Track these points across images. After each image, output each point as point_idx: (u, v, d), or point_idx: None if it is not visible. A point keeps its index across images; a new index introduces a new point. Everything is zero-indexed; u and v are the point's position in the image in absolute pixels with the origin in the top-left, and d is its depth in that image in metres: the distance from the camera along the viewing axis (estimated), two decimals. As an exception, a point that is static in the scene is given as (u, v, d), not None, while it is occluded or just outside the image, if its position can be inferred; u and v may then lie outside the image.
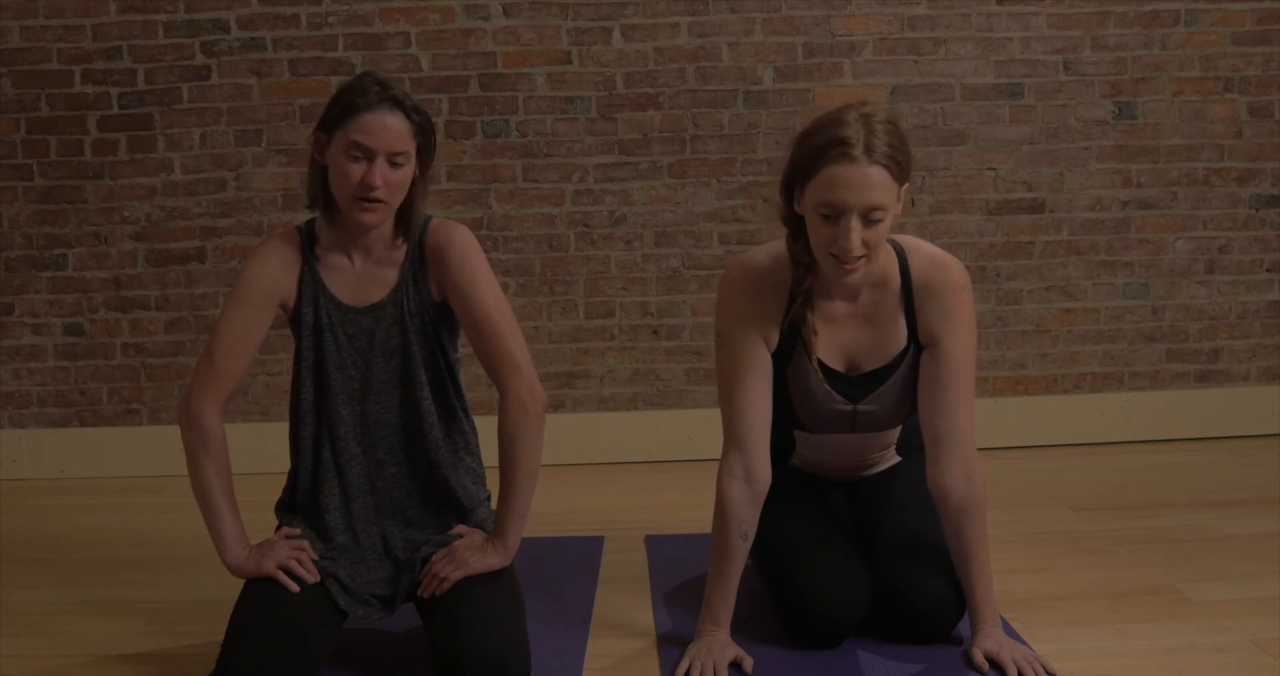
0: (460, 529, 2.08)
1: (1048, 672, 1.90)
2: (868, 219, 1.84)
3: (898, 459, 2.30)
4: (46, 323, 3.70)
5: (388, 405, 2.05)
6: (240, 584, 1.97)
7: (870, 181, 1.82)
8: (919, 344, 2.04)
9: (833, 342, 2.04)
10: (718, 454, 2.07)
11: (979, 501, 2.00)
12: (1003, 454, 3.61)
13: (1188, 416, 3.77)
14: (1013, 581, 2.42)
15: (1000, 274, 3.73)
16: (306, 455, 2.06)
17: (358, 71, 3.59)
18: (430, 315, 2.04)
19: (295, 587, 1.92)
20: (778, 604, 2.13)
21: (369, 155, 1.88)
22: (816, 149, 1.85)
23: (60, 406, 3.73)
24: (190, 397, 2.00)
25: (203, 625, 2.28)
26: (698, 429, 3.66)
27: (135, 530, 3.07)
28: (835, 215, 1.84)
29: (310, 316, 2.03)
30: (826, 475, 2.31)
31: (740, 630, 2.09)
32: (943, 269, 2.01)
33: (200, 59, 3.62)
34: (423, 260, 2.03)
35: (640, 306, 3.72)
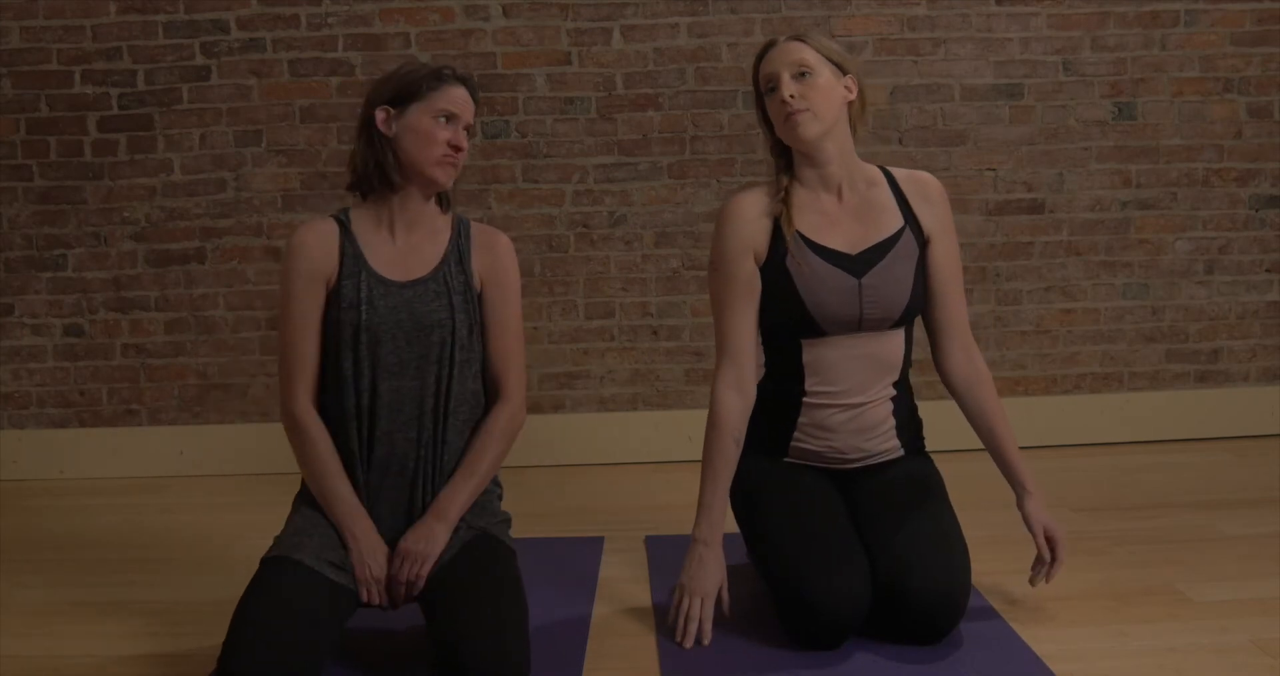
0: (406, 541, 2.05)
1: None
2: (799, 76, 2.16)
3: (899, 450, 2.30)
4: (46, 323, 3.71)
5: (425, 382, 2.08)
6: (243, 583, 1.97)
7: (792, 48, 2.19)
8: (916, 230, 2.25)
9: (830, 230, 2.23)
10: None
11: (984, 376, 2.29)
12: (1003, 454, 3.60)
13: (1188, 416, 3.77)
14: (1013, 581, 2.41)
15: (1000, 274, 3.73)
16: (337, 431, 2.08)
17: (358, 72, 3.59)
18: (472, 296, 2.13)
19: (365, 599, 2.01)
20: (779, 604, 2.14)
21: (457, 121, 2.08)
22: (755, 59, 2.26)
23: (60, 407, 3.73)
24: (288, 401, 2.08)
25: (203, 625, 2.28)
26: (698, 429, 3.63)
27: (135, 530, 3.07)
28: (774, 83, 2.19)
29: (351, 289, 2.07)
30: (826, 457, 2.29)
31: (741, 630, 2.12)
32: (925, 177, 2.30)
33: (200, 59, 3.62)
34: (468, 243, 2.14)
35: (640, 307, 3.72)
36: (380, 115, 2.07)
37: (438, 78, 2.08)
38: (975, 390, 2.28)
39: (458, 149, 2.08)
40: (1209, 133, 3.71)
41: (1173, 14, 3.66)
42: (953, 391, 2.31)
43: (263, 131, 3.65)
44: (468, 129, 2.11)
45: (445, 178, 2.08)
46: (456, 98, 2.08)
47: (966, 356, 2.29)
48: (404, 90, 2.08)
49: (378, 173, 2.09)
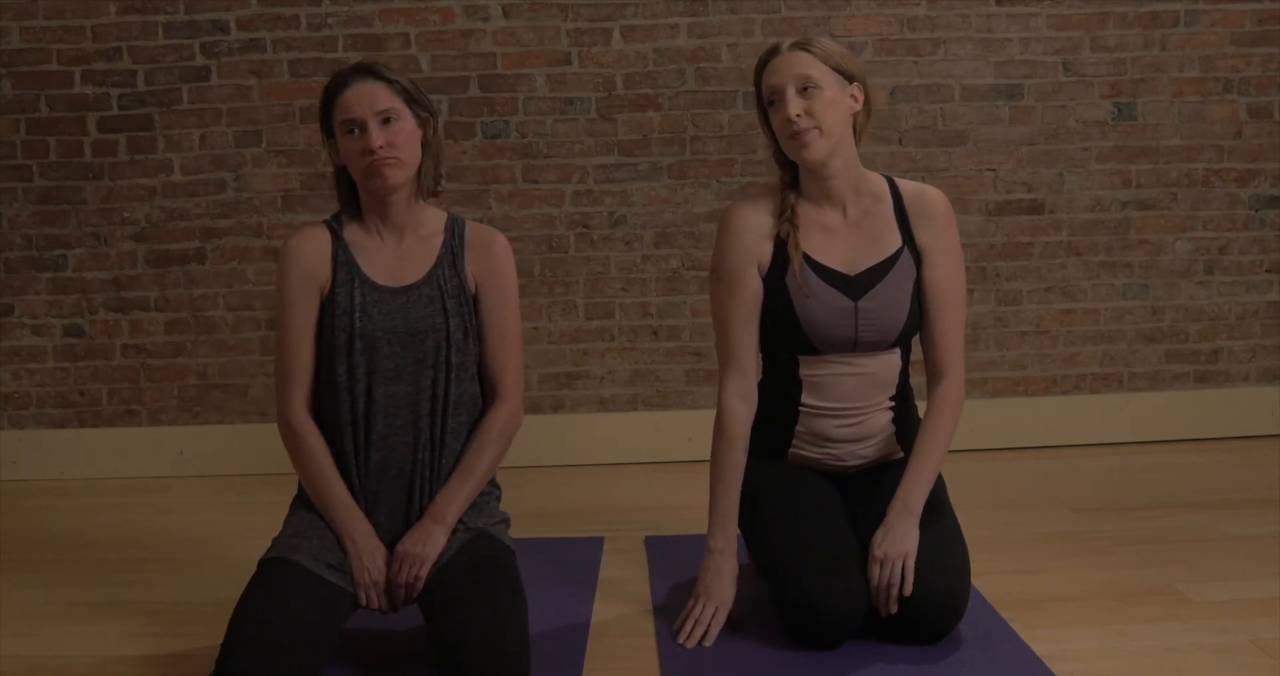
0: (404, 544, 2.05)
1: (900, 593, 2.03)
2: (804, 92, 2.10)
3: (899, 452, 2.30)
4: (46, 323, 3.70)
5: (420, 386, 2.07)
6: (242, 583, 1.97)
7: (796, 60, 2.11)
8: (914, 250, 2.20)
9: (830, 248, 2.20)
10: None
11: (950, 402, 2.21)
12: (1003, 454, 3.61)
13: (1188, 417, 3.77)
14: (1013, 582, 2.42)
15: (1000, 274, 3.73)
16: (334, 436, 2.08)
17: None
18: (466, 299, 2.11)
19: (364, 602, 2.01)
20: (779, 605, 2.14)
21: (360, 125, 2.00)
22: (756, 65, 2.19)
23: (60, 407, 3.72)
24: (283, 408, 2.08)
25: (203, 626, 2.28)
26: (698, 429, 3.65)
27: (135, 530, 3.07)
28: (778, 98, 2.12)
29: (345, 297, 2.06)
30: (825, 464, 2.29)
31: (741, 630, 2.13)
32: (931, 195, 2.23)
33: (200, 60, 3.62)
34: (462, 244, 2.11)
35: (640, 307, 3.72)
36: (331, 149, 2.09)
37: (329, 91, 2.04)
38: (929, 415, 2.22)
39: (373, 151, 1.98)
40: (1209, 133, 3.71)
41: (1173, 14, 3.66)
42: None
43: (263, 132, 3.65)
44: (382, 116, 1.99)
45: (381, 183, 2.01)
46: (349, 100, 2.00)
47: (944, 384, 2.22)
48: (322, 116, 2.07)
49: (350, 198, 2.11)
